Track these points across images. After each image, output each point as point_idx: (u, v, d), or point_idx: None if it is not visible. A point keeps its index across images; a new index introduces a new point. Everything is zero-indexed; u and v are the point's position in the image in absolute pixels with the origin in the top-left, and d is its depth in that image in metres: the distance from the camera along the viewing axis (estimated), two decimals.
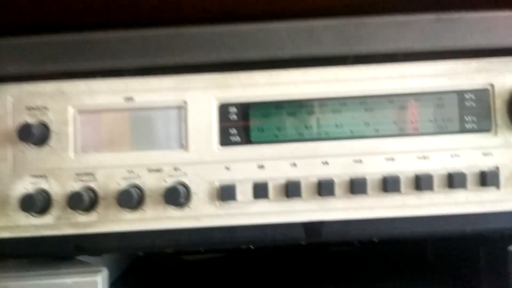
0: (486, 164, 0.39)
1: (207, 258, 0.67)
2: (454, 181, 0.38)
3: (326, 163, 0.39)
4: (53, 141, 0.38)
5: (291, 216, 0.39)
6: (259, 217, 0.39)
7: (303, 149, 0.39)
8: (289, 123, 0.39)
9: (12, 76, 0.38)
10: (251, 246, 0.44)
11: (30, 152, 0.38)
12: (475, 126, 0.39)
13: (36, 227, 0.38)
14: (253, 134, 0.39)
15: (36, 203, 0.36)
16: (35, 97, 0.38)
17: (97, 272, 0.40)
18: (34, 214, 0.38)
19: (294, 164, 0.39)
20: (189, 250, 0.43)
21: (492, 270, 0.47)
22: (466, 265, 0.51)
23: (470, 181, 0.38)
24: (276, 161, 0.39)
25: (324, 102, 0.39)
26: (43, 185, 0.38)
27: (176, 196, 0.37)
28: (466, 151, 0.39)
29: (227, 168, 0.38)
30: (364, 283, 0.52)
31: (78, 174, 0.38)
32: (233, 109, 0.39)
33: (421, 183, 0.38)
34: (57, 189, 0.38)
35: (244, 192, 0.38)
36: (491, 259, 0.47)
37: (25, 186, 0.38)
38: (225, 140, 0.39)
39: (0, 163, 0.38)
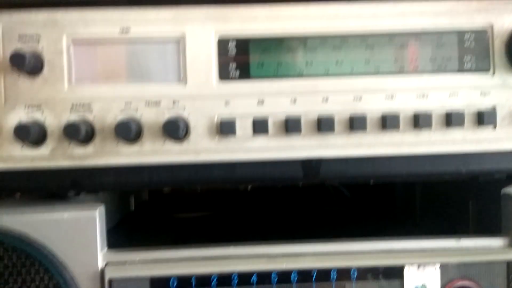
0: (484, 103, 0.39)
1: (198, 216, 0.68)
2: (452, 119, 0.38)
3: (326, 99, 0.38)
4: (46, 71, 0.37)
5: (290, 152, 0.39)
6: (258, 153, 0.39)
7: (303, 86, 0.38)
8: (289, 59, 0.39)
9: (2, 2, 0.37)
10: (248, 187, 0.44)
11: (23, 82, 0.37)
12: (473, 66, 0.39)
13: (31, 158, 0.37)
14: (253, 70, 0.38)
15: (31, 132, 0.35)
16: (27, 25, 0.37)
17: (95, 207, 0.40)
18: (29, 144, 0.37)
19: (294, 100, 0.38)
20: (186, 188, 0.42)
21: (481, 214, 0.48)
22: (455, 210, 0.53)
23: (467, 120, 0.39)
24: (276, 97, 0.38)
25: (324, 39, 0.39)
26: (38, 116, 0.37)
27: (176, 128, 0.37)
28: (465, 90, 0.39)
29: (227, 103, 0.38)
30: (355, 228, 0.53)
31: (73, 105, 0.37)
32: (232, 44, 0.38)
33: (420, 121, 0.38)
34: (52, 120, 0.37)
35: (243, 127, 0.38)
36: (481, 203, 0.48)
37: (19, 116, 0.37)
38: (224, 74, 0.38)
39: None
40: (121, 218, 0.57)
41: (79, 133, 0.36)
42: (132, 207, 0.67)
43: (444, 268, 0.40)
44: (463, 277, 0.40)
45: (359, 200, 0.70)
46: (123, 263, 0.40)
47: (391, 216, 0.65)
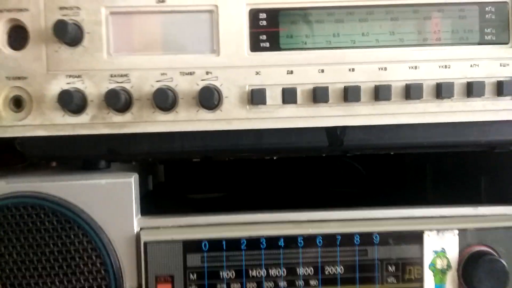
0: (503, 74, 0.41)
1: (213, 197, 0.70)
2: (473, 89, 0.40)
3: (353, 70, 0.40)
4: (86, 41, 0.39)
5: (317, 121, 0.41)
6: (287, 121, 0.40)
7: (330, 56, 0.40)
8: (317, 31, 0.40)
9: None
10: (274, 157, 0.46)
11: (64, 52, 0.39)
12: (493, 38, 0.41)
13: (72, 126, 0.39)
14: (282, 41, 0.40)
15: (74, 98, 0.37)
16: None
17: (130, 175, 0.42)
18: (70, 112, 0.39)
19: (322, 71, 0.40)
20: (215, 157, 0.44)
21: (493, 188, 0.50)
22: (466, 187, 0.54)
23: (487, 90, 0.40)
24: (304, 67, 0.40)
25: (351, 11, 0.40)
26: (78, 85, 0.39)
27: (209, 97, 0.39)
28: (485, 61, 0.41)
29: (257, 73, 0.40)
30: (372, 200, 0.55)
31: (112, 75, 0.39)
32: (263, 15, 0.40)
33: (442, 90, 0.40)
34: (92, 89, 0.39)
35: (273, 96, 0.40)
36: (493, 177, 0.50)
37: (61, 85, 0.39)
38: (255, 45, 0.40)
39: (35, 62, 0.39)
40: (141, 197, 0.60)
41: (119, 100, 0.38)
42: (151, 187, 0.69)
43: (462, 234, 0.42)
44: (480, 243, 0.42)
45: (373, 178, 0.72)
46: (157, 228, 0.42)
47: (403, 192, 0.67)
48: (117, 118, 0.39)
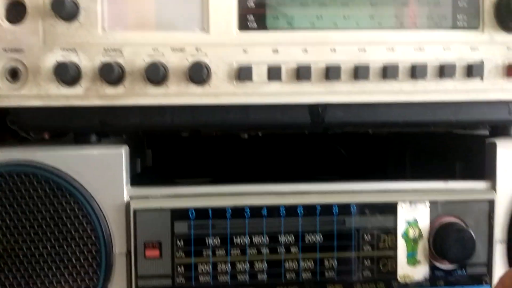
0: (473, 57, 0.44)
1: (199, 181, 0.72)
2: (445, 71, 0.43)
3: (334, 50, 0.43)
4: (82, 17, 0.41)
5: (300, 97, 0.43)
6: (272, 97, 0.43)
7: (314, 37, 0.43)
8: (302, 13, 0.43)
9: None
10: (259, 133, 0.48)
11: (61, 26, 0.41)
12: (465, 23, 0.44)
13: (67, 97, 0.41)
14: (269, 21, 0.42)
15: (69, 70, 0.39)
16: None
17: (121, 146, 0.44)
18: (65, 83, 0.40)
19: (305, 50, 0.42)
20: (204, 131, 0.46)
21: (467, 170, 0.53)
22: (442, 169, 0.58)
23: (458, 72, 0.44)
24: (289, 46, 0.42)
25: None
26: (73, 58, 0.41)
27: (198, 73, 0.41)
28: (456, 45, 0.44)
29: (245, 51, 0.42)
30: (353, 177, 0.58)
31: (106, 50, 0.41)
32: None
33: (417, 71, 0.43)
34: (86, 62, 0.41)
35: (259, 73, 0.42)
36: (467, 161, 0.53)
37: (56, 58, 0.41)
38: (243, 25, 0.42)
39: (32, 36, 0.40)
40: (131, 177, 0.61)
41: (112, 72, 0.40)
42: (139, 170, 0.71)
43: (433, 205, 0.45)
44: (450, 214, 0.45)
45: (355, 163, 0.76)
46: (146, 197, 0.44)
47: (384, 172, 0.70)
48: (110, 90, 0.41)
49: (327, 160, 0.77)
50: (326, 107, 0.44)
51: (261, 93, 0.43)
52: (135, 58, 0.41)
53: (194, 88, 0.42)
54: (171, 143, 0.85)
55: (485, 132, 0.51)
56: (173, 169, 0.78)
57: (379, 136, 0.78)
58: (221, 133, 0.55)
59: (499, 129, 0.49)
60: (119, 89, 0.41)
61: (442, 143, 0.62)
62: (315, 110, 0.44)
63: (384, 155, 0.76)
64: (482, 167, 0.48)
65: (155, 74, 0.40)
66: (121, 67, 0.41)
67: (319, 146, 0.77)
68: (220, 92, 0.42)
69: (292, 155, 0.76)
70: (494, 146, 0.46)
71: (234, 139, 0.84)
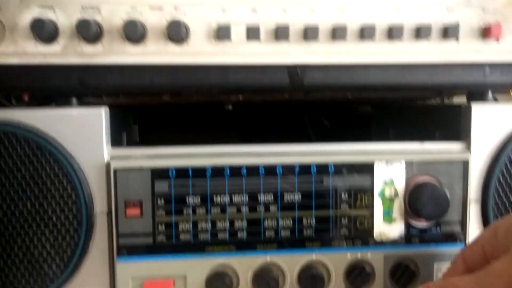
0: (449, 19, 0.44)
1: None
2: (421, 32, 0.44)
3: (312, 10, 0.43)
4: None
5: (279, 57, 0.43)
6: (251, 56, 0.43)
7: None
8: None
9: None
10: (240, 97, 0.48)
11: None
12: None
13: (44, 54, 0.41)
14: None
15: (46, 26, 0.39)
16: None
17: (101, 107, 0.44)
18: (42, 41, 0.40)
19: (284, 10, 0.43)
20: (184, 93, 0.46)
21: (444, 131, 0.54)
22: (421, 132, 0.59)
23: (434, 33, 0.44)
24: (268, 6, 0.43)
25: None
26: (50, 15, 0.41)
27: (177, 31, 0.41)
28: (433, 6, 0.44)
29: (223, 10, 0.42)
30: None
31: (83, 7, 0.41)
32: None
33: (393, 32, 0.43)
34: (64, 19, 0.41)
35: (238, 33, 0.42)
36: (444, 123, 0.54)
37: (33, 14, 0.40)
38: None
39: None
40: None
41: (90, 30, 0.40)
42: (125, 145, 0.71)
43: (408, 165, 0.46)
44: (425, 174, 0.47)
45: (337, 133, 0.77)
46: (127, 157, 0.45)
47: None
48: (88, 48, 0.41)
49: (310, 134, 0.78)
50: (305, 68, 0.44)
51: (240, 52, 0.43)
52: (113, 16, 0.41)
53: (173, 47, 0.42)
54: (158, 119, 0.85)
55: (463, 101, 0.52)
56: (160, 144, 0.79)
57: (362, 113, 0.79)
58: (204, 101, 0.55)
59: (476, 96, 0.50)
60: (97, 47, 0.41)
61: (422, 117, 0.63)
62: (294, 71, 0.44)
63: (367, 130, 0.78)
64: (458, 132, 0.49)
65: (133, 32, 0.40)
66: (99, 25, 0.41)
67: (303, 121, 0.78)
68: (199, 51, 0.42)
69: (277, 131, 0.77)
70: (469, 109, 0.47)
71: (221, 113, 0.84)
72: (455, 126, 0.50)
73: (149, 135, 0.77)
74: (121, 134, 0.66)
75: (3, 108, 0.44)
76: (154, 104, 0.66)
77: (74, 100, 0.46)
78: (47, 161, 0.43)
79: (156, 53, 0.42)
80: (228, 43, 0.42)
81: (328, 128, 0.79)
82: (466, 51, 0.45)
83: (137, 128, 0.79)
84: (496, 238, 0.37)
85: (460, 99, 0.61)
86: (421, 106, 0.70)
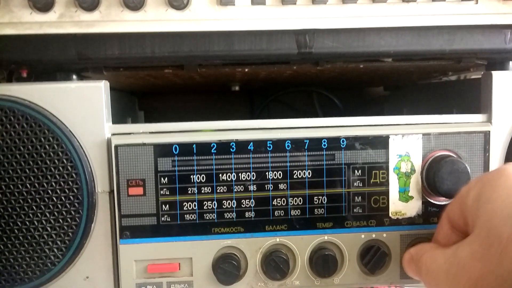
0: None
1: None
2: None
3: None
4: None
5: (286, 23, 0.41)
6: (256, 23, 0.41)
7: None
8: None
9: None
10: (246, 69, 0.46)
11: None
12: None
13: (40, 24, 0.39)
14: None
15: None
16: None
17: (100, 81, 0.42)
18: (37, 9, 0.38)
19: None
20: (187, 63, 0.44)
21: (463, 106, 0.51)
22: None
23: None
24: None
25: None
26: None
27: None
28: None
29: None
30: None
31: None
32: None
33: None
34: None
35: None
36: (463, 99, 0.51)
37: None
38: None
39: None
40: None
41: None
42: None
43: (426, 138, 0.44)
44: (443, 148, 0.44)
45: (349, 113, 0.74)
46: (129, 134, 0.43)
47: None
48: (85, 16, 0.39)
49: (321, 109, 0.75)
50: (313, 34, 0.42)
51: (245, 18, 0.41)
52: None
53: (174, 13, 0.40)
54: (164, 105, 0.84)
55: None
56: None
57: (375, 95, 0.76)
58: (210, 81, 0.53)
59: (497, 65, 0.47)
60: (95, 15, 0.39)
61: (438, 96, 0.60)
62: (302, 38, 0.42)
63: (379, 112, 0.75)
64: (478, 107, 0.46)
65: None
66: None
67: (313, 104, 0.76)
68: (201, 17, 0.40)
69: (286, 115, 0.74)
70: (490, 77, 0.44)
71: (228, 96, 0.82)
72: (474, 100, 0.47)
73: (155, 121, 0.75)
74: (125, 119, 0.64)
75: (0, 84, 0.42)
76: (158, 85, 0.64)
77: (74, 77, 0.45)
78: (46, 138, 0.41)
79: (156, 20, 0.40)
80: (232, 8, 0.40)
81: (340, 110, 0.76)
82: (485, 13, 0.42)
83: (143, 114, 0.77)
84: (467, 201, 0.35)
85: (477, 75, 0.58)
86: (436, 84, 0.67)
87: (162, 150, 0.42)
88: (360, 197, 0.44)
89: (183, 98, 0.85)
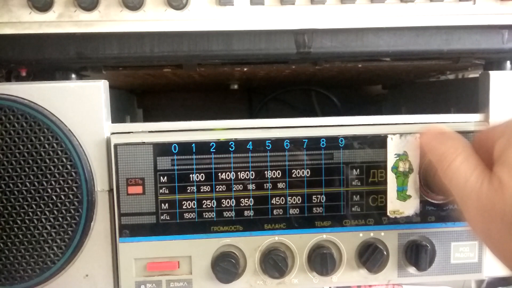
0: None
1: None
2: None
3: None
4: None
5: (285, 23, 0.41)
6: (255, 22, 0.41)
7: None
8: None
9: None
10: (245, 69, 0.46)
11: None
12: None
13: (39, 23, 0.39)
14: None
15: None
16: None
17: (100, 80, 0.42)
18: (36, 9, 0.38)
19: None
20: (186, 62, 0.44)
21: (461, 105, 0.52)
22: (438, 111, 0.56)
23: None
24: None
25: None
26: None
27: None
28: None
29: None
30: None
31: None
32: None
33: None
34: None
35: None
36: (460, 98, 0.52)
37: None
38: None
39: None
40: None
41: None
42: None
43: None
44: None
45: (346, 112, 0.74)
46: (128, 133, 0.43)
47: None
48: (84, 16, 0.39)
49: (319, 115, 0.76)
50: (312, 34, 0.42)
51: (244, 18, 0.41)
52: None
53: (173, 13, 0.40)
54: (163, 103, 0.84)
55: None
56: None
57: (373, 94, 0.76)
58: (209, 80, 0.53)
59: (494, 65, 0.48)
60: (94, 15, 0.39)
61: (435, 95, 0.61)
62: (300, 38, 0.42)
63: (377, 111, 0.75)
64: (476, 105, 0.46)
65: None
66: None
67: (311, 103, 0.76)
68: (200, 17, 0.40)
69: (285, 114, 0.75)
70: (487, 77, 0.45)
71: (226, 95, 0.82)
72: (471, 99, 0.47)
73: (154, 120, 0.75)
74: (124, 117, 0.64)
75: (0, 83, 0.42)
76: (157, 83, 0.64)
77: (73, 76, 0.45)
78: (45, 137, 0.41)
79: (155, 19, 0.40)
80: (231, 8, 0.40)
81: (338, 108, 0.77)
82: (483, 13, 0.42)
83: (142, 112, 0.77)
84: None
85: (474, 74, 0.59)
86: (434, 83, 0.67)
87: (162, 149, 0.42)
88: (358, 196, 0.44)
89: (182, 96, 0.85)
